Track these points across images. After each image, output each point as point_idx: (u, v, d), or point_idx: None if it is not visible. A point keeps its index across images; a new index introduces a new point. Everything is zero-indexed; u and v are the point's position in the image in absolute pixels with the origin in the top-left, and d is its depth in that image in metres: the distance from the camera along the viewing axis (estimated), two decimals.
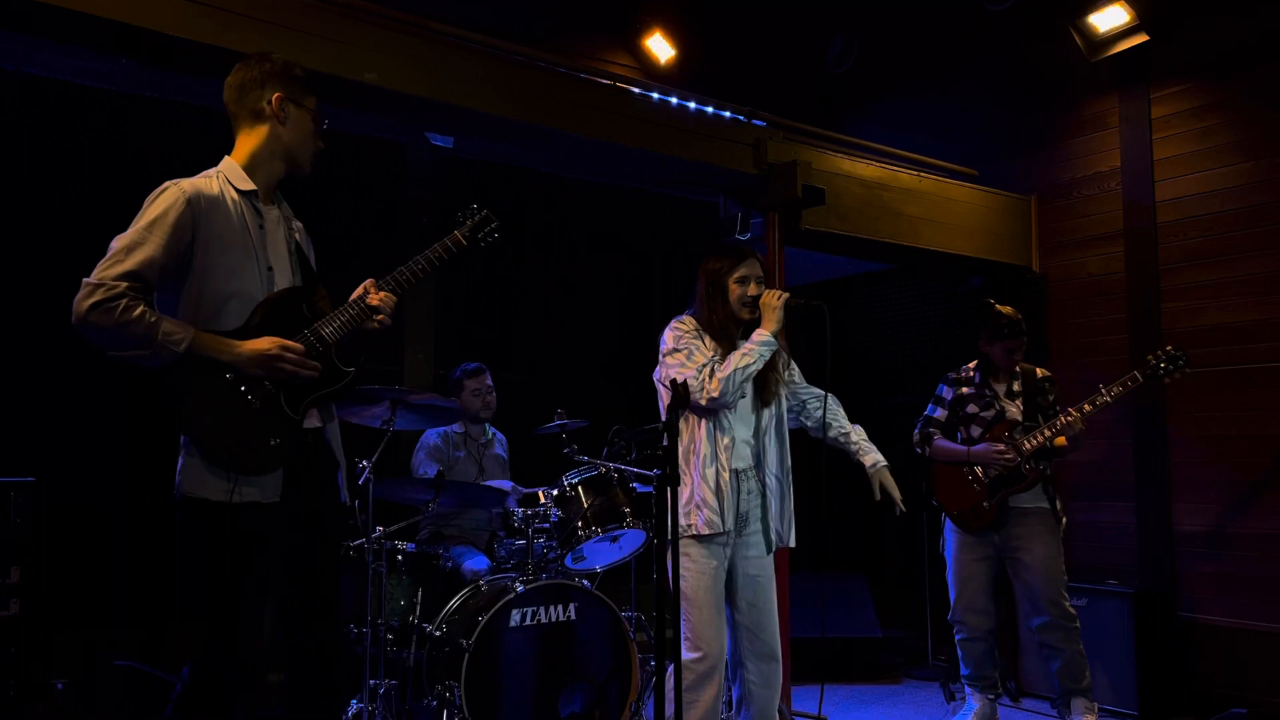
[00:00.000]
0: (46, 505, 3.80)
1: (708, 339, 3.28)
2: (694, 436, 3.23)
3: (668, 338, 3.30)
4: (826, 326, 3.20)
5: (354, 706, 3.89)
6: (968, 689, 4.54)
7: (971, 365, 4.60)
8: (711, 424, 3.22)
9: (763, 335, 3.20)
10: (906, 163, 5.53)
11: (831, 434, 3.52)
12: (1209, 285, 5.03)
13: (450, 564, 4.48)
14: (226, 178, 2.55)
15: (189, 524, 2.39)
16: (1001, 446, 4.30)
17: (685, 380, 3.06)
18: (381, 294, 2.61)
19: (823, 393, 3.52)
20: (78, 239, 4.51)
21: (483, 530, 4.88)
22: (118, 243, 2.35)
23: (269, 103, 2.57)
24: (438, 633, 4.02)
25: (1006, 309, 4.43)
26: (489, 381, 4.98)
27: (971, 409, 4.50)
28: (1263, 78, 4.87)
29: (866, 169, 5.23)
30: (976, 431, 4.46)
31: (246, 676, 2.42)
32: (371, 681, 3.81)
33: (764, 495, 3.29)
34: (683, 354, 3.21)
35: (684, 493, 3.21)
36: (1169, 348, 4.26)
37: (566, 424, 4.43)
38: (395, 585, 4.21)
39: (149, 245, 2.34)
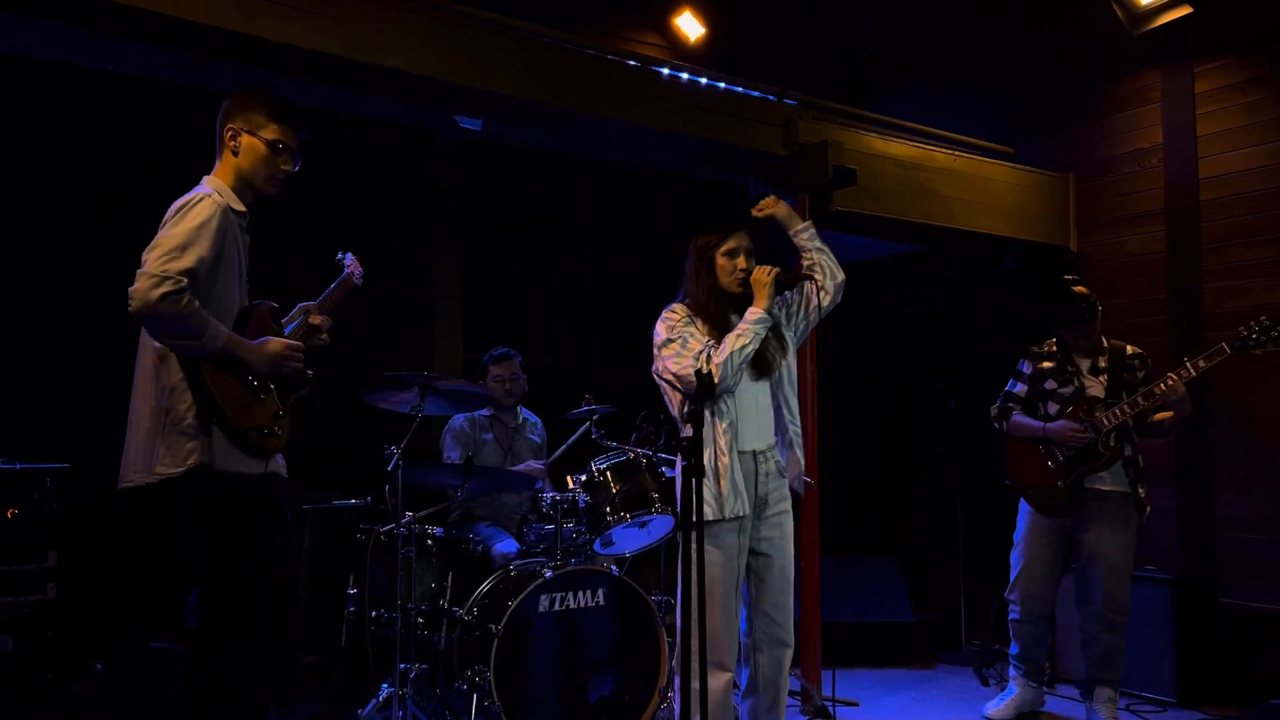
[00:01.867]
0: (81, 489, 3.85)
1: (700, 323, 3.22)
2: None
3: (660, 329, 3.25)
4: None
5: (385, 690, 3.92)
6: (1011, 671, 4.47)
7: (1053, 340, 4.46)
8: (709, 409, 3.17)
9: (756, 313, 3.14)
10: (941, 141, 5.43)
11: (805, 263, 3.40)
12: (1254, 265, 4.89)
13: (480, 547, 4.50)
14: (221, 197, 2.75)
15: (227, 497, 2.66)
16: (1077, 425, 4.15)
17: (684, 370, 3.04)
18: (321, 315, 3.01)
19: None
20: (87, 232, 4.62)
21: (513, 513, 4.89)
22: (168, 240, 2.53)
23: (228, 134, 2.84)
24: (468, 617, 4.03)
25: (1080, 289, 4.29)
26: (516, 367, 4.97)
27: (1050, 385, 4.36)
28: None
29: (900, 148, 5.14)
30: (1054, 409, 4.33)
31: (286, 647, 2.81)
32: (402, 665, 3.84)
33: (769, 471, 3.26)
34: (676, 343, 3.16)
35: (675, 484, 3.20)
36: (1263, 318, 3.96)
37: (595, 409, 4.42)
38: (425, 569, 4.23)
39: (199, 246, 2.56)
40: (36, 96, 4.61)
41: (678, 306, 3.28)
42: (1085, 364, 4.35)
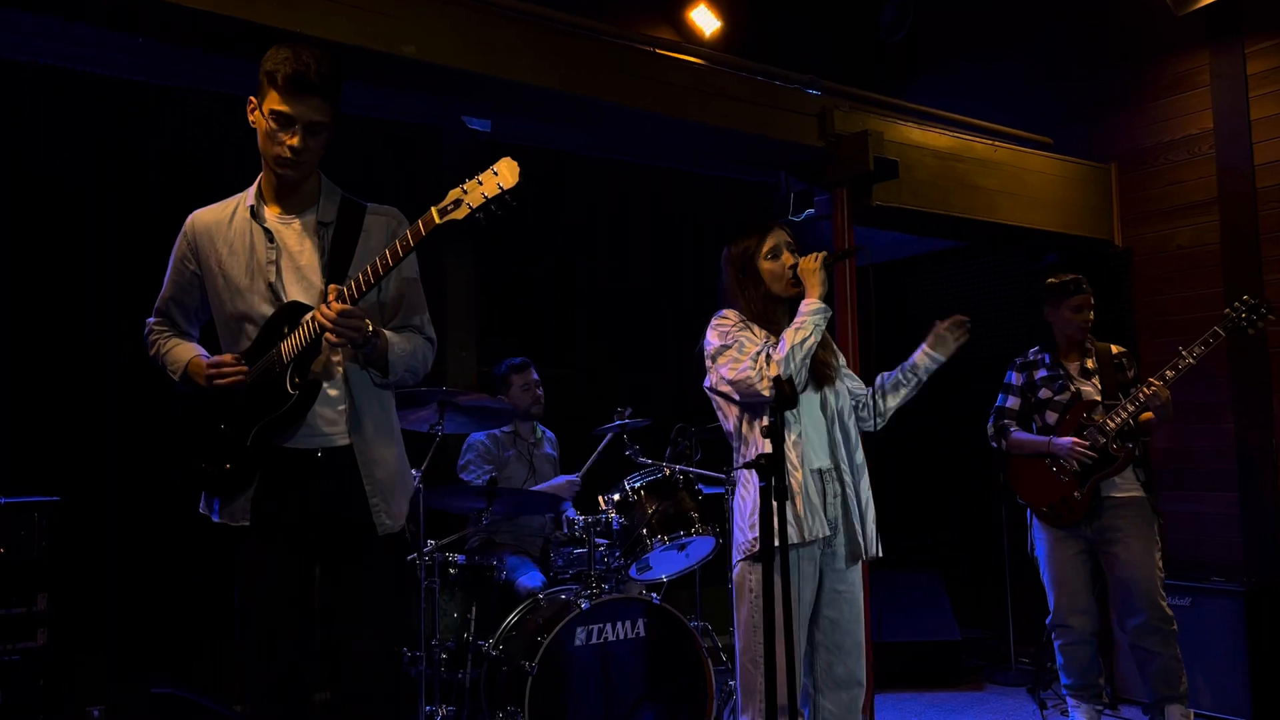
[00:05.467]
0: (71, 524, 3.55)
1: (756, 328, 2.92)
2: (753, 440, 2.86)
3: (712, 338, 2.91)
4: (870, 271, 2.84)
5: None
6: (1070, 701, 4.18)
7: (1036, 349, 4.29)
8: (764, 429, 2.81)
9: (811, 303, 2.81)
10: (978, 131, 5.15)
11: (890, 389, 3.06)
12: None
13: (504, 575, 4.18)
14: (246, 194, 2.48)
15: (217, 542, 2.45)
16: (1084, 443, 3.96)
17: (743, 374, 2.73)
18: (326, 307, 2.24)
19: (867, 388, 3.09)
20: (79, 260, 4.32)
21: (536, 536, 4.58)
22: None
23: (249, 108, 2.40)
24: (495, 652, 3.73)
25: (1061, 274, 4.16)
26: (534, 376, 4.67)
27: (1045, 394, 4.16)
28: None
29: (939, 139, 4.85)
30: (1052, 418, 4.12)
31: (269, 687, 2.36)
32: (428, 708, 3.53)
33: (845, 497, 2.87)
34: (732, 349, 2.83)
35: (745, 505, 2.86)
36: (1246, 297, 3.94)
37: (627, 423, 4.11)
38: (447, 600, 3.93)
39: (167, 283, 2.51)
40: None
41: (728, 312, 2.95)
42: (1074, 367, 4.18)
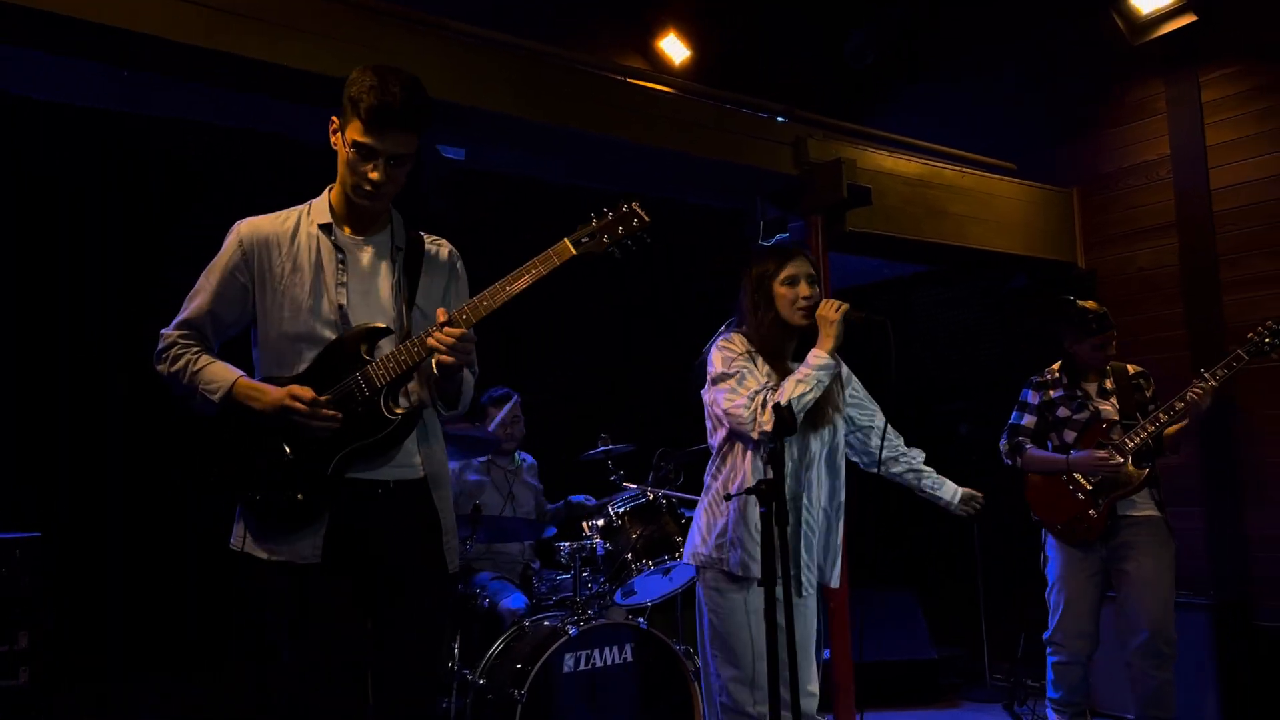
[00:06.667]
0: (54, 560, 3.50)
1: (760, 361, 2.92)
2: (739, 466, 2.87)
3: (715, 360, 2.90)
4: (891, 346, 2.77)
5: None
6: (1052, 714, 4.23)
7: (1055, 367, 4.24)
8: (760, 458, 2.83)
9: (820, 357, 2.79)
10: (946, 158, 5.27)
11: (898, 469, 3.15)
12: (1274, 275, 4.77)
13: (486, 602, 4.17)
14: (310, 209, 2.37)
15: (242, 581, 2.23)
16: (1104, 453, 3.95)
17: (736, 410, 2.75)
18: (445, 330, 2.18)
19: (883, 423, 3.14)
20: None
21: (515, 562, 4.58)
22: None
23: (332, 127, 2.31)
24: (481, 681, 3.71)
25: (1089, 303, 4.11)
26: (517, 409, 4.67)
27: (1063, 413, 4.15)
28: None
29: (909, 166, 4.96)
30: (1070, 436, 4.11)
31: None
32: None
33: (799, 533, 2.87)
34: (733, 379, 2.82)
35: (717, 521, 2.88)
36: (1270, 322, 3.82)
37: (611, 449, 4.14)
38: None
39: (202, 293, 2.30)
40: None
41: (735, 337, 2.94)
42: (1093, 387, 4.16)
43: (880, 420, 3.17)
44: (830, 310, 2.81)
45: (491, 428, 4.50)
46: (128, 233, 4.37)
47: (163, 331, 2.29)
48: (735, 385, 2.79)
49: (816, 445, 2.93)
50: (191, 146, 4.42)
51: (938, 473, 3.20)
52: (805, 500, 2.89)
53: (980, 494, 3.20)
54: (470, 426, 3.99)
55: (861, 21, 6.43)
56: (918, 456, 3.21)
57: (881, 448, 3.12)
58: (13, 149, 4.13)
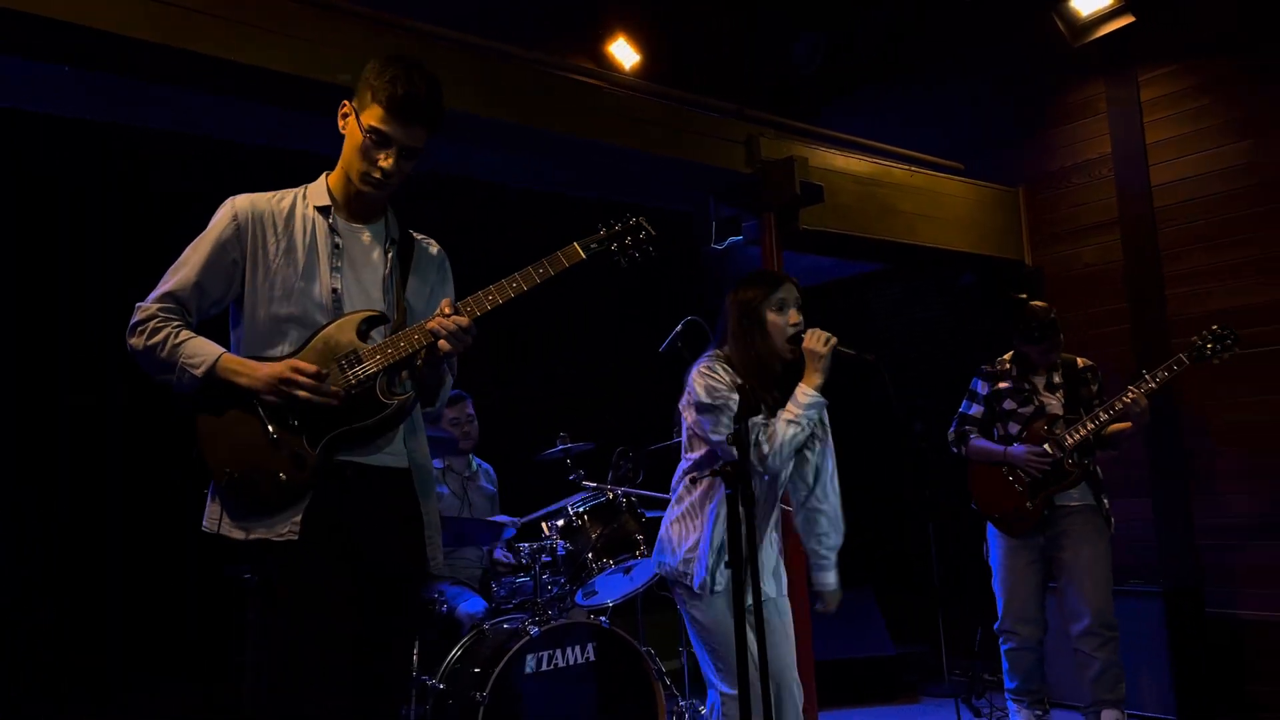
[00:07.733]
0: (54, 560, 3.42)
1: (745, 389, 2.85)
2: (715, 489, 2.83)
3: (698, 388, 2.81)
4: (888, 385, 2.82)
5: None
6: (1011, 704, 4.27)
7: (1006, 358, 4.30)
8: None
9: (809, 395, 2.75)
10: (896, 158, 5.33)
11: (809, 544, 3.07)
12: (1213, 269, 4.89)
13: (445, 607, 4.11)
14: (306, 192, 2.35)
15: (223, 566, 2.25)
16: (1040, 450, 4.03)
17: (719, 444, 2.74)
18: (451, 318, 2.18)
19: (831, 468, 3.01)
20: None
21: (472, 567, 4.52)
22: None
23: (341, 109, 2.30)
24: (441, 685, 3.65)
25: (1038, 305, 4.16)
26: (469, 410, 4.62)
27: (1009, 405, 4.22)
28: (1254, 56, 4.77)
29: (859, 165, 5.01)
30: (1014, 429, 4.18)
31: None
32: None
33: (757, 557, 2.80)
34: (720, 413, 2.76)
35: (689, 537, 2.86)
36: (1215, 327, 3.92)
37: (570, 447, 4.10)
38: None
39: (187, 266, 2.23)
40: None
41: (721, 371, 2.83)
42: (1041, 381, 4.22)
43: (830, 465, 3.03)
44: (819, 344, 2.76)
45: (441, 428, 4.45)
46: (128, 233, 4.31)
47: (139, 304, 2.21)
48: (719, 419, 2.75)
49: (784, 475, 2.94)
50: (191, 149, 4.37)
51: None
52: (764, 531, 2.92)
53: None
54: (431, 427, 3.92)
55: (810, 25, 6.51)
56: (831, 546, 3.10)
57: (808, 498, 3.02)
58: (13, 149, 4.09)
